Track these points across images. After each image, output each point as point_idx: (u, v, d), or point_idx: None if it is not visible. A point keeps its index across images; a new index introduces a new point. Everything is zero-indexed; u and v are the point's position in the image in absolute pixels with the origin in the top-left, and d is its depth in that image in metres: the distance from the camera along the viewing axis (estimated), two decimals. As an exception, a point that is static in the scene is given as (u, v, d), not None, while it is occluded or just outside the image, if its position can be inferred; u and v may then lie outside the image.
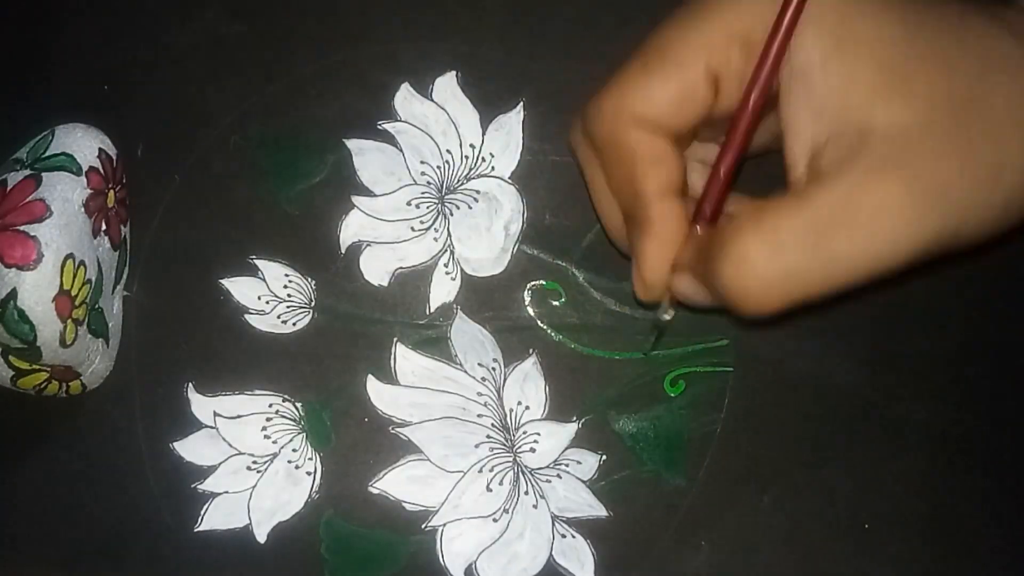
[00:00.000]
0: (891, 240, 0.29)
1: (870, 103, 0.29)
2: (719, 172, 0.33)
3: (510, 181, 0.42)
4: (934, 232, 0.29)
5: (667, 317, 0.36)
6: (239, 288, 0.41)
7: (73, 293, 0.36)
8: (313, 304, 0.41)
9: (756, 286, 0.30)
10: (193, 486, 0.40)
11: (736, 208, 0.35)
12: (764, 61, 0.31)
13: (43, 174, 0.36)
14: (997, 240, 0.31)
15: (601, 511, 0.39)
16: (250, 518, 0.39)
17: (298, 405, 0.40)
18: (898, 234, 0.29)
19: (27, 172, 0.37)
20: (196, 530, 0.39)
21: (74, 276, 0.36)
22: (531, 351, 0.41)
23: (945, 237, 0.29)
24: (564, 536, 0.39)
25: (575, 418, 0.40)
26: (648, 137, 0.32)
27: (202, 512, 0.39)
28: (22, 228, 0.35)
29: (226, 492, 0.40)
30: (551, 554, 0.39)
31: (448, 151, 0.42)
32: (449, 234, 0.42)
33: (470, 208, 0.42)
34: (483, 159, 0.42)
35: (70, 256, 0.36)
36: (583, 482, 0.39)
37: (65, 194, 0.36)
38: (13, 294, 0.34)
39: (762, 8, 0.31)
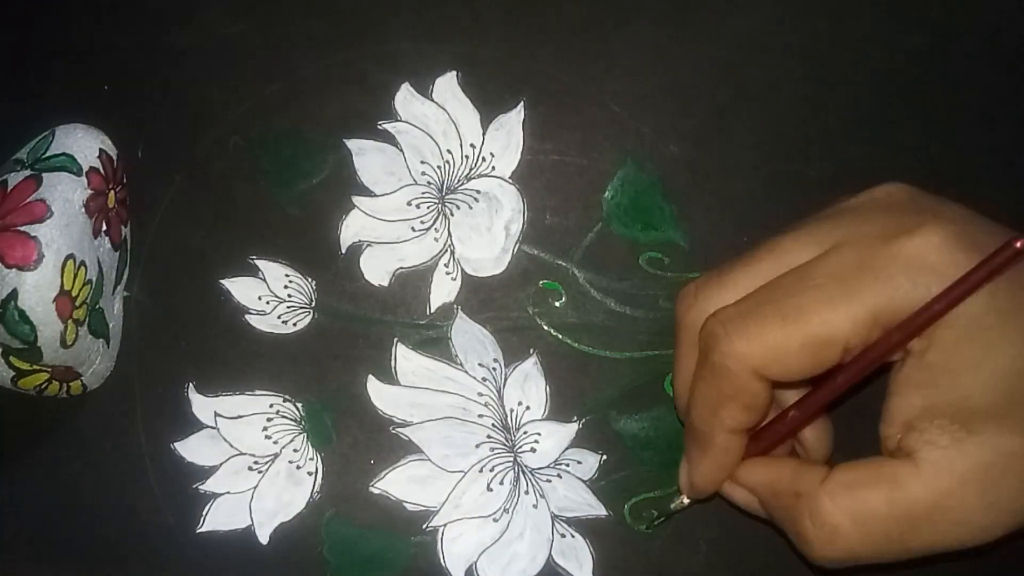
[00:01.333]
0: (961, 541, 0.31)
1: (984, 420, 0.30)
2: (791, 417, 0.34)
3: (511, 181, 0.42)
4: (1000, 535, 0.32)
5: (678, 506, 0.38)
6: (240, 288, 0.41)
7: (74, 294, 0.36)
8: (314, 304, 0.41)
9: (840, 555, 0.32)
10: (194, 487, 0.39)
11: (802, 444, 0.36)
12: (897, 342, 0.31)
13: (44, 174, 0.36)
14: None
15: (601, 511, 0.39)
16: (252, 519, 0.39)
17: (299, 405, 0.40)
18: (970, 539, 0.31)
19: (28, 172, 0.37)
20: (198, 531, 0.39)
21: (75, 276, 0.36)
22: (532, 351, 0.41)
23: (1008, 533, 0.32)
24: (564, 536, 0.39)
25: (576, 418, 0.40)
26: (759, 386, 0.32)
27: (204, 513, 0.39)
28: (23, 228, 0.34)
29: (227, 492, 0.39)
30: (550, 554, 0.39)
31: (448, 151, 0.42)
32: (449, 234, 0.42)
33: (471, 208, 0.42)
34: (483, 159, 0.42)
35: (71, 256, 0.35)
36: (583, 482, 0.39)
37: (66, 194, 0.36)
38: (14, 295, 0.34)
39: (916, 291, 0.30)
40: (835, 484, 0.32)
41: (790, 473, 0.34)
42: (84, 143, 0.38)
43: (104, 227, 0.39)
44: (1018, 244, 0.28)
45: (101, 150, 0.39)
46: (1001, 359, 0.30)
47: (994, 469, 0.30)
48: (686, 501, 0.37)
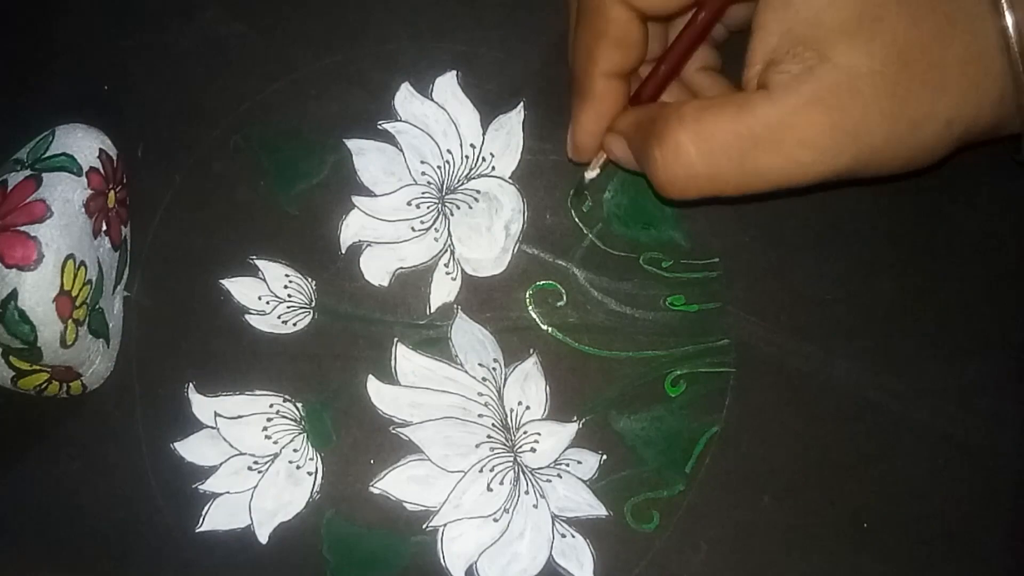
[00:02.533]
0: (805, 166, 0.32)
1: (836, 37, 0.32)
2: (667, 60, 0.36)
3: (511, 181, 0.42)
4: (844, 166, 0.33)
5: (591, 175, 0.39)
6: (239, 288, 0.41)
7: (74, 293, 0.36)
8: (313, 304, 0.41)
9: (681, 176, 0.33)
10: (194, 486, 0.40)
11: (683, 97, 0.38)
12: None
13: (44, 174, 0.36)
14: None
15: (601, 511, 0.39)
16: (251, 518, 0.39)
17: (299, 405, 0.40)
18: (813, 163, 0.32)
19: (28, 172, 0.37)
20: (197, 530, 0.39)
21: (75, 276, 0.36)
22: (531, 351, 0.40)
23: (853, 170, 0.33)
24: (564, 536, 0.39)
25: (575, 418, 0.40)
26: (627, 16, 0.34)
27: (203, 512, 0.39)
28: (23, 228, 0.34)
29: (227, 492, 0.40)
30: (551, 554, 0.39)
31: (448, 151, 0.42)
32: (449, 234, 0.42)
33: (470, 208, 0.42)
34: (483, 159, 0.42)
35: (71, 256, 0.36)
36: (583, 482, 0.39)
37: (66, 194, 0.36)
38: (14, 295, 0.34)
39: None
40: (687, 107, 0.33)
41: (656, 108, 0.35)
42: (84, 143, 0.38)
43: (104, 227, 0.39)
44: None
45: (101, 150, 0.39)
46: None
47: (841, 90, 0.31)
48: (593, 174, 0.38)
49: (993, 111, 0.33)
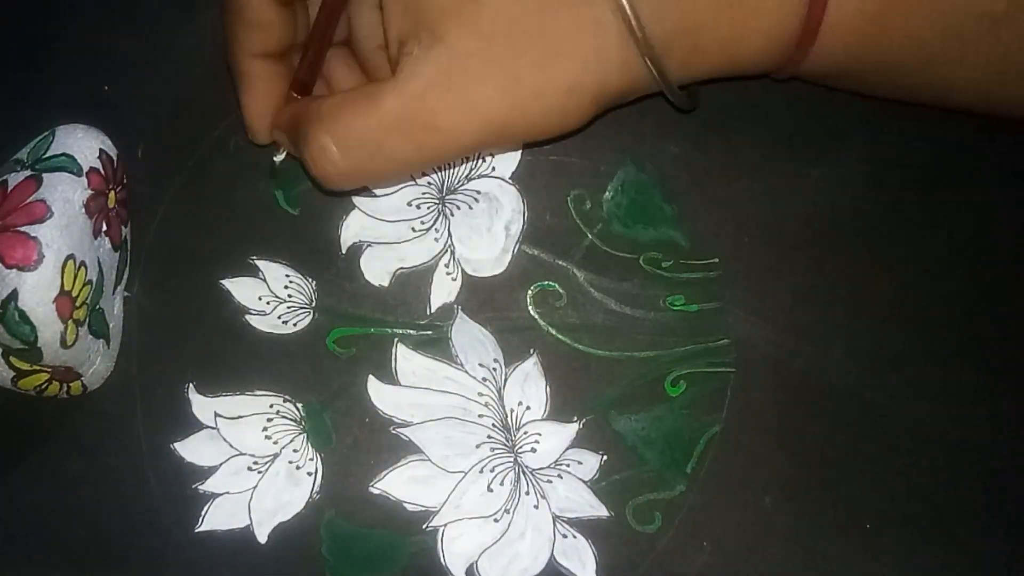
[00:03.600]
0: (435, 148, 0.34)
1: (446, 18, 0.32)
2: (308, 44, 0.36)
3: (511, 181, 0.42)
4: (472, 143, 0.34)
5: (278, 159, 0.38)
6: (240, 289, 0.41)
7: (74, 294, 0.36)
8: (314, 305, 0.41)
9: (332, 173, 0.34)
10: (194, 487, 0.39)
11: (332, 86, 0.39)
12: None
13: (44, 175, 0.36)
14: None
15: (602, 511, 0.39)
16: (251, 518, 0.39)
17: (299, 406, 0.40)
18: (442, 145, 0.34)
19: (28, 173, 0.36)
20: (196, 531, 0.39)
21: (75, 277, 0.36)
22: (532, 351, 0.40)
23: (486, 144, 0.34)
24: (565, 536, 0.39)
25: (576, 418, 0.40)
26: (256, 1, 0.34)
27: (202, 513, 0.39)
28: (23, 229, 0.34)
29: (227, 493, 0.39)
30: (552, 554, 0.39)
31: None
32: (450, 234, 0.42)
33: (471, 208, 0.42)
34: (483, 159, 0.42)
35: (71, 257, 0.35)
36: (584, 482, 0.39)
37: (66, 195, 0.36)
38: (14, 295, 0.34)
39: None
40: (324, 106, 0.34)
41: (306, 105, 0.35)
42: (84, 143, 0.38)
43: (104, 227, 0.38)
44: None
45: (101, 150, 0.39)
46: None
47: (454, 70, 0.32)
48: (280, 157, 0.38)
49: (621, 74, 0.33)
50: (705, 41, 0.34)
